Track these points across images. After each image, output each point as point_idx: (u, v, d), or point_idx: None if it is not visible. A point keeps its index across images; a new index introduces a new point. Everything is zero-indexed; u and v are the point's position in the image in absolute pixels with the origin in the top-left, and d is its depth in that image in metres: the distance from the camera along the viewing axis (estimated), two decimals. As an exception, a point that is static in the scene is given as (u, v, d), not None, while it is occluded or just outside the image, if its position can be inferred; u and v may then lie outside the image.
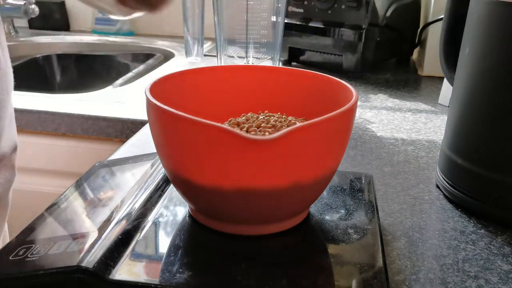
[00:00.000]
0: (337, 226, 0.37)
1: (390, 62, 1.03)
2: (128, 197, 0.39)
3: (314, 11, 0.90)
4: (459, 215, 0.45)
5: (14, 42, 1.18)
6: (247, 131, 0.37)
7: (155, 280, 0.30)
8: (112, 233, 0.33)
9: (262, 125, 0.38)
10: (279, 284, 0.30)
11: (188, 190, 0.35)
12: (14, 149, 0.52)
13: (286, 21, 0.91)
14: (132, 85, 0.87)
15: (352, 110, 0.34)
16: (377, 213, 0.39)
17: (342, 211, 0.39)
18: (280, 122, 0.38)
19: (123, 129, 0.70)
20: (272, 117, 0.39)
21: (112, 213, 0.36)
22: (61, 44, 1.22)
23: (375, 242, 0.35)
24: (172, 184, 0.41)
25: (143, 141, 0.61)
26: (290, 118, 0.40)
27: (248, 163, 0.31)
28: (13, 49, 1.18)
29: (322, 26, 0.89)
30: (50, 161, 0.75)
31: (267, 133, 0.37)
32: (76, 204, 0.38)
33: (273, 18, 0.77)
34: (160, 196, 0.40)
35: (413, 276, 0.36)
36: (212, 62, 1.00)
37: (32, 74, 1.14)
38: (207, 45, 1.16)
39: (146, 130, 0.65)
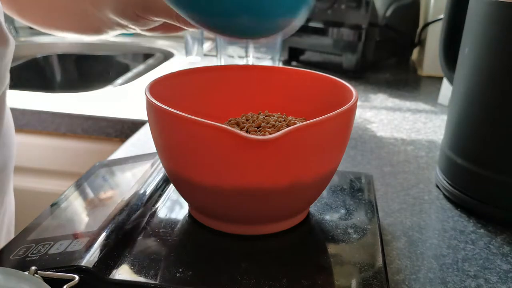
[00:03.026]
0: (337, 226, 0.37)
1: (390, 62, 1.03)
2: (128, 197, 0.39)
3: (314, 11, 0.90)
4: (459, 215, 0.45)
5: (15, 42, 1.18)
6: (247, 131, 0.37)
7: (155, 280, 0.30)
8: (112, 233, 0.33)
9: (262, 125, 0.38)
10: (279, 284, 0.30)
11: (188, 190, 0.35)
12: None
13: (286, 21, 0.91)
14: (132, 85, 0.87)
15: (352, 110, 0.34)
16: (377, 213, 0.39)
17: (342, 211, 0.39)
18: (280, 122, 0.38)
19: (123, 129, 0.70)
20: (272, 117, 0.39)
21: (112, 213, 0.36)
22: (61, 44, 1.22)
23: (375, 241, 0.35)
24: (172, 184, 0.41)
25: (143, 141, 0.61)
26: (290, 118, 0.40)
27: (248, 163, 0.31)
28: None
29: (322, 26, 0.89)
30: (50, 161, 0.75)
31: (267, 133, 0.37)
32: (76, 204, 0.39)
33: (273, 18, 0.77)
34: (160, 196, 0.40)
35: (413, 275, 0.37)
36: (212, 62, 1.00)
37: (32, 74, 1.14)
38: (207, 45, 1.16)
39: (146, 130, 0.65)
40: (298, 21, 0.33)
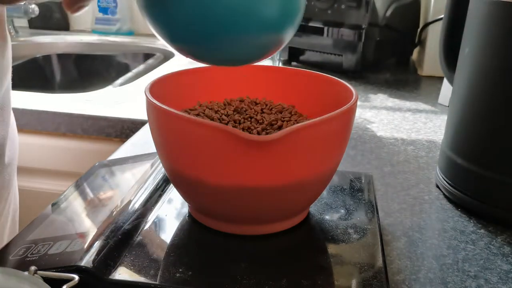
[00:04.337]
0: (337, 226, 0.37)
1: (390, 62, 1.03)
2: (128, 197, 0.39)
3: (314, 11, 0.90)
4: (459, 215, 0.45)
5: (14, 42, 1.18)
6: (247, 130, 0.37)
7: (155, 280, 0.30)
8: (112, 233, 0.33)
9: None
10: (279, 284, 0.30)
11: (188, 190, 0.35)
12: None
13: (286, 21, 0.91)
14: (132, 85, 0.87)
15: (352, 110, 0.34)
16: (377, 213, 0.39)
17: (342, 211, 0.39)
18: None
19: (123, 129, 0.70)
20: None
21: (112, 213, 0.36)
22: (61, 44, 1.21)
23: (375, 242, 0.35)
24: (172, 184, 0.41)
25: (143, 141, 0.61)
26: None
27: (248, 163, 0.31)
28: (13, 49, 1.18)
29: (322, 26, 0.89)
30: (50, 161, 0.75)
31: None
32: (76, 204, 0.38)
33: (273, 18, 0.77)
34: (160, 196, 0.40)
35: (413, 276, 0.36)
36: (212, 62, 0.99)
37: (32, 74, 1.14)
38: (207, 45, 1.16)
39: (146, 130, 0.65)
40: (285, 39, 0.31)
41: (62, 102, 0.74)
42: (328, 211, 0.39)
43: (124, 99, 0.78)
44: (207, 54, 0.30)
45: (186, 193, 0.36)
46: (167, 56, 1.10)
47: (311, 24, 0.91)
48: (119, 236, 0.33)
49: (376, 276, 0.31)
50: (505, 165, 0.42)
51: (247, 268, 0.32)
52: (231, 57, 0.30)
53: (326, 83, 0.41)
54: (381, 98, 0.80)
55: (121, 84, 0.89)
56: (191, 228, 0.36)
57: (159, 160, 0.43)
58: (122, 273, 0.30)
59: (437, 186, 0.50)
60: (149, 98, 0.33)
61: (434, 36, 0.88)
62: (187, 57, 0.31)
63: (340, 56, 0.89)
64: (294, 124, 0.36)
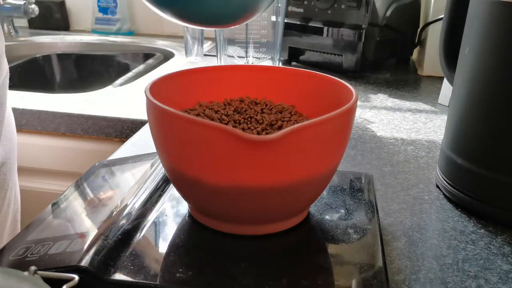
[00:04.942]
0: (337, 226, 0.37)
1: (390, 62, 1.03)
2: (128, 197, 0.39)
3: (314, 11, 0.90)
4: (459, 215, 0.45)
5: (14, 42, 1.18)
6: (247, 129, 0.37)
7: (155, 280, 0.30)
8: (112, 233, 0.33)
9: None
10: (279, 284, 0.30)
11: (188, 190, 0.35)
12: None
13: (286, 21, 0.91)
14: (132, 85, 0.87)
15: (352, 110, 0.34)
16: (377, 213, 0.39)
17: (342, 211, 0.39)
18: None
19: (123, 129, 0.70)
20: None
21: (112, 213, 0.36)
22: (61, 44, 1.21)
23: (375, 242, 0.35)
24: (172, 184, 0.41)
25: (143, 141, 0.61)
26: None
27: (248, 163, 0.31)
28: (13, 49, 1.18)
29: (322, 26, 0.89)
30: (50, 161, 0.75)
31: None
32: (76, 204, 0.38)
33: (273, 18, 0.77)
34: (160, 196, 0.40)
35: (413, 276, 0.36)
36: (212, 62, 1.00)
37: (32, 74, 1.14)
38: (207, 45, 1.16)
39: (146, 130, 0.65)
40: (263, 4, 0.33)
41: (62, 102, 0.74)
42: (328, 211, 0.39)
43: (124, 99, 0.78)
44: (189, 13, 0.33)
45: (186, 193, 0.36)
46: (167, 56, 1.10)
47: (311, 24, 0.91)
48: (119, 236, 0.33)
49: (376, 276, 0.31)
50: (505, 165, 0.42)
51: (247, 268, 0.32)
52: (211, 17, 0.33)
53: (326, 83, 0.41)
54: (381, 98, 0.80)
55: (121, 84, 0.89)
56: (191, 228, 0.36)
57: (159, 160, 0.43)
58: (122, 273, 0.30)
59: (437, 186, 0.50)
60: (149, 98, 0.33)
61: (434, 36, 0.88)
62: (170, 17, 0.33)
63: (340, 56, 0.89)
64: (294, 124, 0.36)
